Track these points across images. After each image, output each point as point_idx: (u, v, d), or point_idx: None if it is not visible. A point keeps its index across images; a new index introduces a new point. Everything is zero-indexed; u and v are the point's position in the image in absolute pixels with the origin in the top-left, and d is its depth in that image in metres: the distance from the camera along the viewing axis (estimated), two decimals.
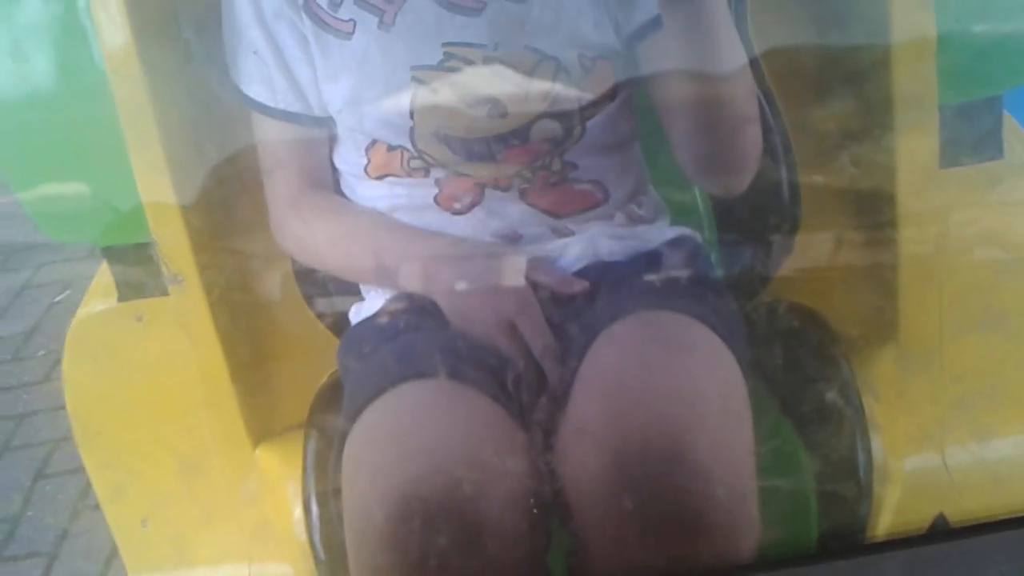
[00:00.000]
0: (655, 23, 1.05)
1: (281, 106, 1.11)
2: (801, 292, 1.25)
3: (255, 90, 1.11)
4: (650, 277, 1.07)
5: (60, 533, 1.96)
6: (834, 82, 1.20)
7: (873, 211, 1.15)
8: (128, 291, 1.18)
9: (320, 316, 1.25)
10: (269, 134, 1.14)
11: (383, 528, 0.85)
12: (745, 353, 1.00)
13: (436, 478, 0.86)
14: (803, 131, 1.23)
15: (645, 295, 1.02)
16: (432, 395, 0.96)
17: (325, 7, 1.08)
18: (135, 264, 1.16)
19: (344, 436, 0.97)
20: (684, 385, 0.91)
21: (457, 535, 0.85)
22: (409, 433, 0.92)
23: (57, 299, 2.78)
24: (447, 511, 0.85)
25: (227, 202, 1.18)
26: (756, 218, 1.26)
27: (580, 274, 1.08)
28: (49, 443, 2.22)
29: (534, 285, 1.04)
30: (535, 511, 0.89)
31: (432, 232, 1.11)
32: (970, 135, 1.12)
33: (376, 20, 1.06)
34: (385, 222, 1.13)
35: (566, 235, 1.12)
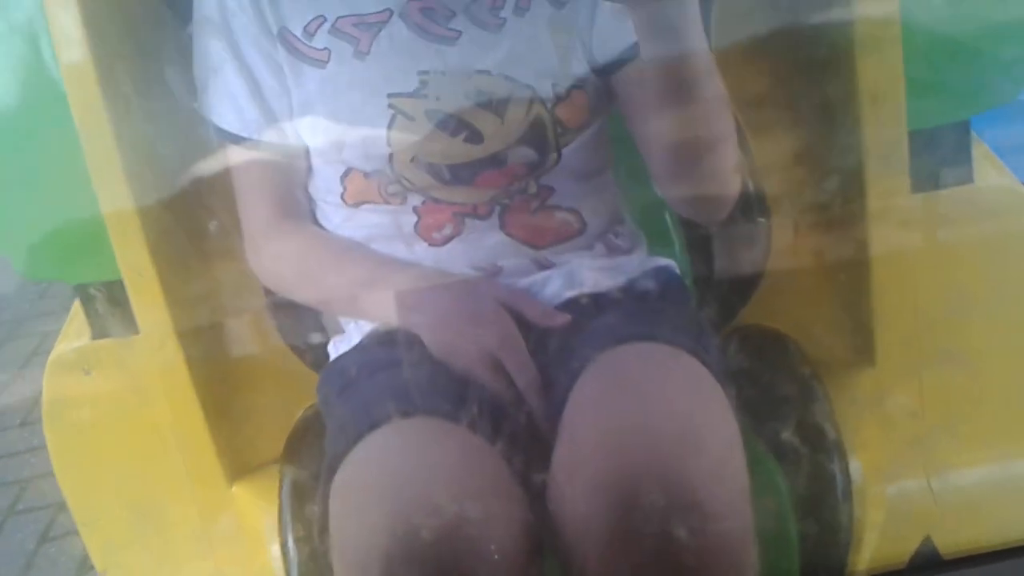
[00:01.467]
0: (630, 52, 1.06)
1: (254, 136, 1.11)
2: (775, 317, 1.25)
3: (228, 121, 1.11)
4: (632, 308, 1.06)
5: None
6: (802, 108, 1.20)
7: (845, 236, 1.15)
8: (101, 329, 1.17)
9: (295, 350, 1.24)
10: (243, 166, 1.13)
11: (375, 572, 0.84)
12: (728, 382, 0.99)
13: (427, 520, 0.84)
14: (771, 157, 1.23)
15: (629, 326, 1.01)
16: (417, 435, 0.94)
17: (300, 36, 1.08)
18: (107, 302, 1.15)
19: (328, 476, 0.95)
20: (675, 418, 0.90)
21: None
22: (396, 475, 0.91)
23: None
24: (438, 552, 0.83)
25: (198, 236, 1.18)
26: (728, 245, 1.26)
27: (562, 307, 1.08)
28: (53, 506, 2.23)
29: (516, 318, 1.03)
30: (527, 548, 0.88)
31: (410, 263, 1.10)
32: (940, 160, 1.13)
33: (351, 49, 1.07)
34: (362, 253, 1.12)
35: (546, 266, 1.11)
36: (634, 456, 0.86)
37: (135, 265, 1.08)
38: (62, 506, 2.14)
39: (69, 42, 1.02)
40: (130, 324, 1.14)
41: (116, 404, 1.20)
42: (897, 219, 1.10)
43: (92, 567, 1.91)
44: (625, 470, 0.86)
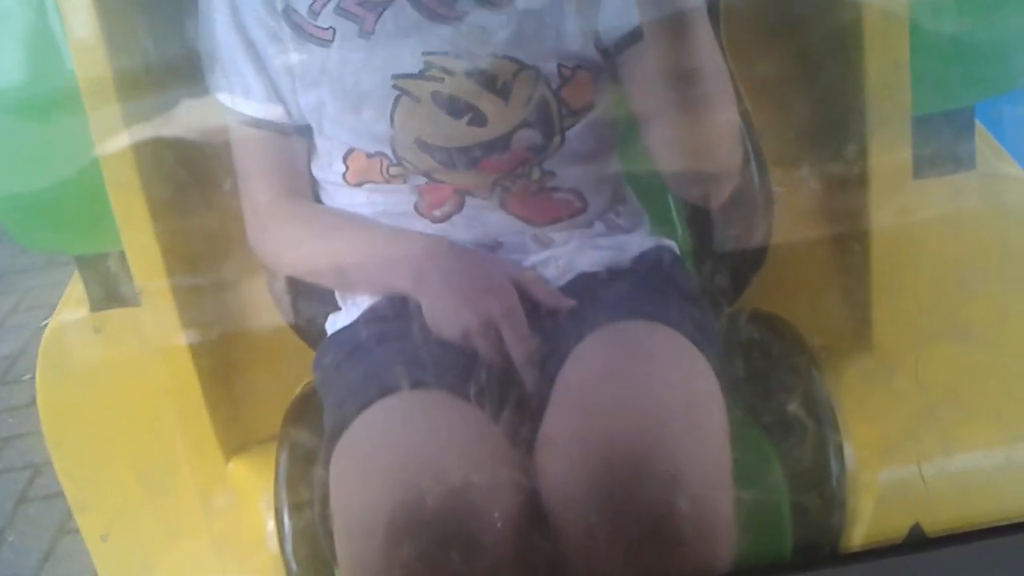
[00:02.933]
0: (635, 34, 1.06)
1: (259, 114, 1.11)
2: (774, 301, 1.26)
3: (232, 99, 1.11)
4: (628, 287, 1.07)
5: (42, 557, 1.94)
6: (807, 92, 1.21)
7: (847, 221, 1.16)
8: (100, 301, 1.17)
9: (294, 327, 1.24)
10: (247, 144, 1.13)
11: (377, 544, 0.85)
12: (721, 362, 1.00)
13: (428, 488, 0.85)
14: (776, 141, 1.23)
15: (623, 305, 1.02)
16: (417, 405, 0.95)
17: (304, 15, 1.08)
18: (107, 273, 1.15)
19: (329, 447, 0.96)
20: (661, 395, 0.91)
21: (451, 545, 0.84)
22: (396, 445, 0.92)
23: (44, 323, 2.75)
24: (438, 519, 0.84)
25: (199, 211, 1.17)
26: (730, 227, 1.26)
27: (562, 289, 1.08)
28: (32, 467, 2.21)
29: (521, 295, 1.04)
30: (523, 518, 0.89)
31: (415, 233, 1.10)
32: (943, 146, 1.13)
33: (356, 28, 1.07)
34: (365, 223, 1.13)
35: (546, 244, 1.12)
36: (616, 430, 0.88)
37: (138, 236, 1.08)
38: (40, 467, 2.16)
39: (78, 14, 1.02)
40: (130, 297, 1.14)
41: (114, 377, 1.19)
42: (898, 204, 1.11)
43: (70, 530, 1.90)
44: (606, 444, 0.87)
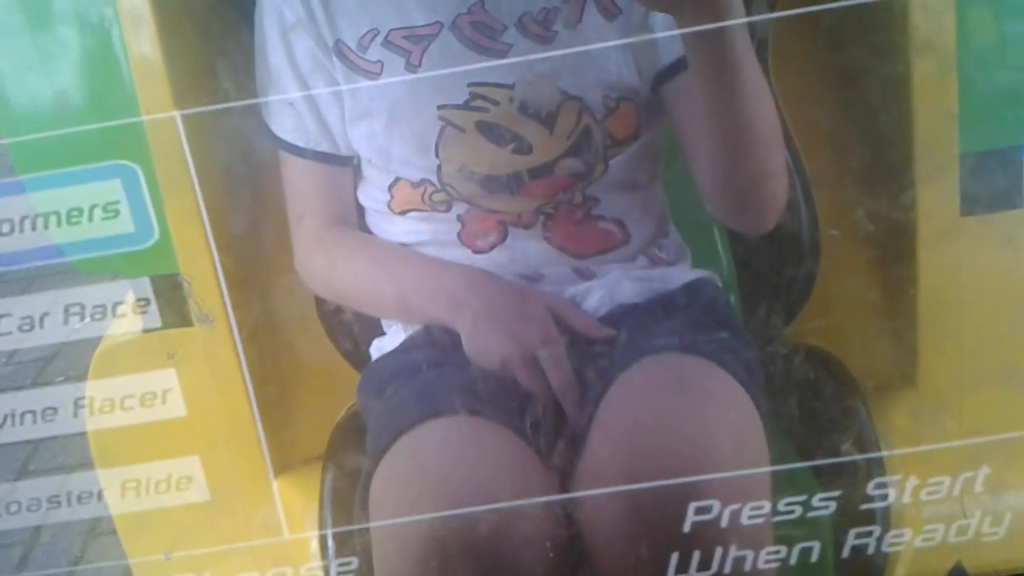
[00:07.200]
0: (680, 64, 1.07)
1: (310, 146, 1.13)
2: (820, 337, 1.25)
3: (285, 131, 1.14)
4: (669, 320, 1.07)
5: (74, 559, 1.95)
6: (854, 129, 1.21)
7: (893, 259, 1.15)
8: (152, 321, 1.19)
9: (340, 351, 1.26)
10: (297, 174, 1.16)
11: (413, 570, 0.86)
12: (764, 397, 1.00)
13: (464, 517, 0.86)
14: (823, 176, 1.23)
15: (664, 338, 1.02)
16: (455, 432, 0.96)
17: (354, 49, 1.10)
18: (161, 294, 1.17)
19: (368, 475, 0.97)
20: (701, 429, 0.91)
21: (485, 574, 0.85)
22: (433, 472, 0.93)
23: (79, 325, 2.76)
24: (475, 550, 0.85)
25: (256, 241, 1.20)
26: (776, 262, 1.26)
27: (603, 319, 1.09)
28: (66, 468, 2.21)
29: (561, 327, 1.04)
30: (558, 550, 0.89)
31: (455, 264, 1.12)
32: (990, 184, 1.13)
33: (403, 61, 1.08)
34: (408, 254, 1.14)
35: (588, 276, 1.12)
36: (656, 464, 0.88)
37: (196, 261, 1.10)
38: (74, 469, 2.14)
39: (140, 36, 1.05)
40: (184, 318, 1.16)
41: (165, 395, 1.21)
42: (946, 242, 1.11)
43: (103, 532, 1.89)
44: (647, 478, 0.87)
